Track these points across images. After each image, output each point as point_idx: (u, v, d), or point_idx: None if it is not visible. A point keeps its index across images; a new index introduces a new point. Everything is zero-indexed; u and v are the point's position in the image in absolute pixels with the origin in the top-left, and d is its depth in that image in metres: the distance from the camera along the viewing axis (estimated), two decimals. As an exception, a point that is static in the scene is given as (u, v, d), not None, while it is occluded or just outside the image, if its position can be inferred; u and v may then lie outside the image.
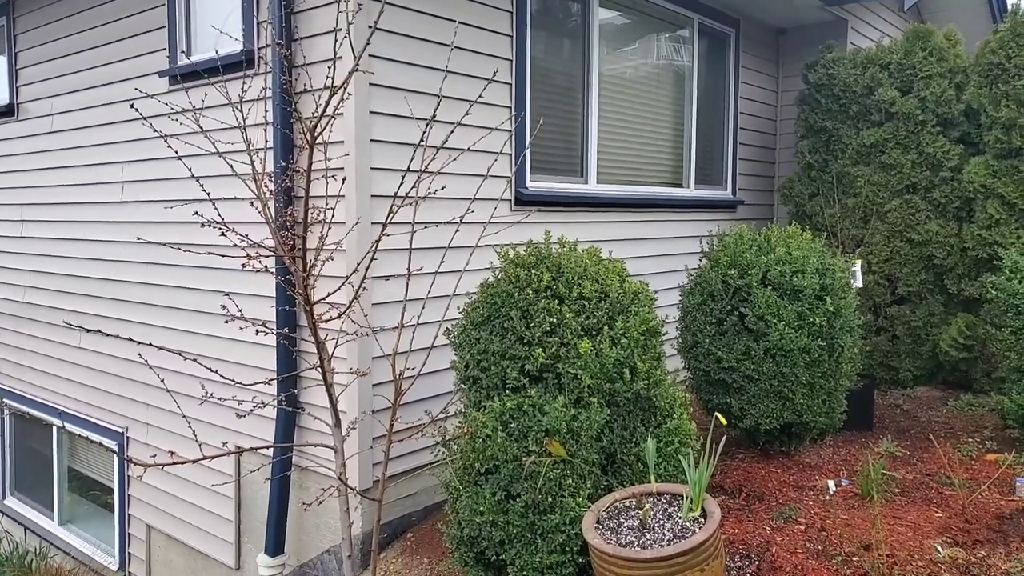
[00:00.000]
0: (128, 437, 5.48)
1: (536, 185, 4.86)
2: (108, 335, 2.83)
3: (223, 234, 2.80)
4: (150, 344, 2.79)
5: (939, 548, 3.47)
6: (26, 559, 6.19)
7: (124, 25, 5.20)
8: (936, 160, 5.89)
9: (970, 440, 4.92)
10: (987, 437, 4.95)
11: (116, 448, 5.57)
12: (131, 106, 3.34)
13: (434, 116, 2.93)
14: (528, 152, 4.74)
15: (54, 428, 6.41)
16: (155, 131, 3.45)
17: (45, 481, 6.67)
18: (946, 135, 5.92)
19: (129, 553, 5.63)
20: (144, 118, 3.61)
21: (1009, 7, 5.72)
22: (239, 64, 4.07)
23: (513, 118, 4.59)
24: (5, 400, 6.91)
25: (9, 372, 6.83)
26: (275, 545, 4.13)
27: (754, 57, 6.99)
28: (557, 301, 3.28)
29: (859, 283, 5.30)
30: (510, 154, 4.61)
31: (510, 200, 4.62)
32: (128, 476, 5.53)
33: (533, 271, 3.34)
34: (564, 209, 5.06)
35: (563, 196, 5.08)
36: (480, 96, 3.73)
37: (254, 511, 4.50)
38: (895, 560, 3.35)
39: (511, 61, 4.57)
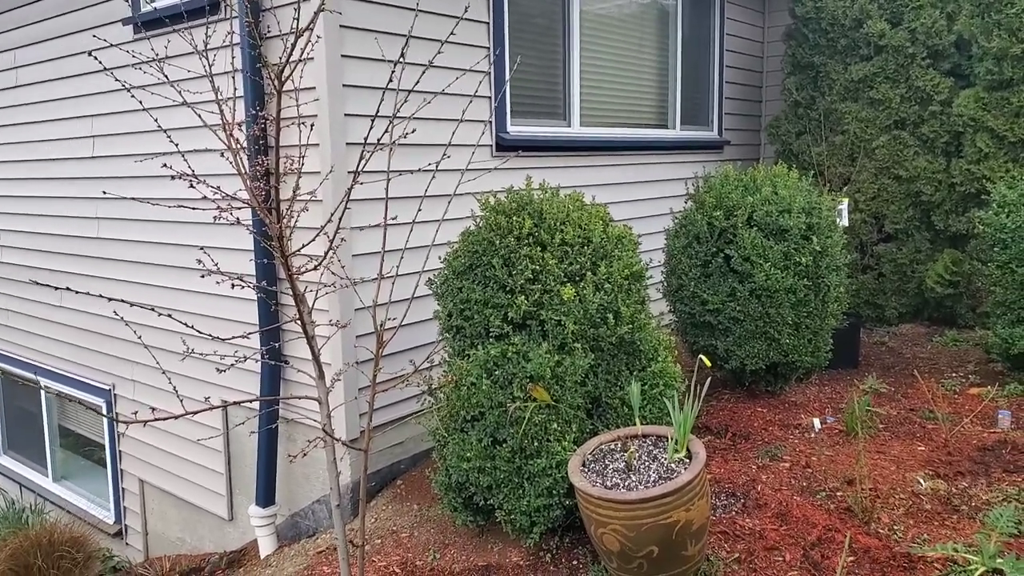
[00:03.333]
0: (115, 394, 5.46)
1: (517, 129, 4.76)
2: (77, 292, 2.77)
3: (191, 186, 2.72)
4: (122, 300, 2.74)
5: (921, 480, 3.51)
6: (22, 516, 6.23)
7: (85, -31, 5.00)
8: (926, 94, 5.80)
9: (954, 375, 4.96)
10: (971, 371, 4.99)
11: (104, 405, 5.56)
12: (92, 56, 3.21)
13: (402, 55, 2.83)
14: (508, 95, 4.63)
15: (42, 386, 6.39)
16: (119, 82, 3.32)
17: (37, 439, 6.68)
18: (936, 68, 5.82)
19: (124, 507, 5.67)
20: (107, 69, 3.48)
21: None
22: (204, 9, 3.91)
23: (492, 59, 4.47)
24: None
25: (-7, 332, 6.77)
26: (265, 496, 4.15)
27: (740, -8, 6.81)
28: (539, 248, 3.23)
29: (845, 222, 5.27)
30: (489, 97, 4.50)
31: (490, 145, 4.52)
32: (118, 432, 5.53)
33: (514, 218, 3.29)
34: (547, 154, 4.97)
35: (545, 140, 4.98)
36: (455, 36, 3.61)
37: (244, 464, 4.51)
38: (878, 493, 3.40)
39: None
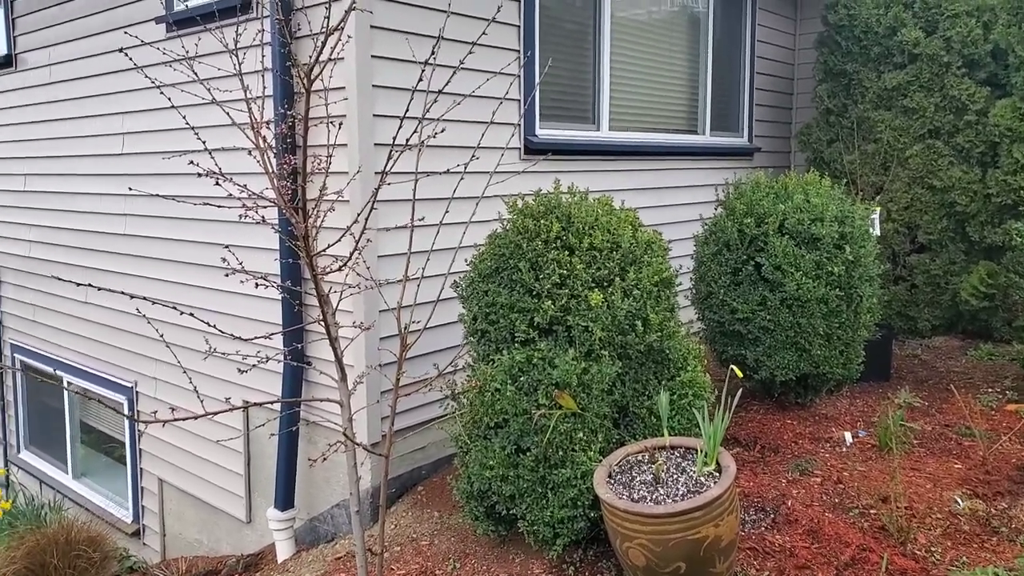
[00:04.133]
0: (137, 392, 5.46)
1: (546, 133, 4.71)
2: (100, 289, 2.75)
3: (217, 183, 2.69)
4: (144, 298, 2.71)
5: (959, 500, 3.40)
6: (41, 512, 6.24)
7: (119, -30, 5.03)
8: (961, 103, 5.67)
9: (990, 390, 4.83)
10: (1008, 387, 4.85)
11: (125, 403, 5.56)
12: (123, 53, 3.20)
13: (434, 56, 2.79)
14: (538, 98, 4.57)
15: (64, 382, 6.41)
16: (150, 79, 3.32)
17: (58, 435, 6.71)
18: (972, 77, 5.69)
19: (143, 506, 5.67)
20: (138, 67, 3.48)
21: (1042, -60, 5.42)
22: (235, 8, 3.91)
23: (522, 62, 4.42)
24: (16, 356, 6.91)
25: (19, 328, 6.81)
26: (284, 499, 4.11)
27: (772, -2, 6.72)
28: (567, 252, 3.17)
29: (877, 231, 5.15)
30: (519, 100, 4.45)
31: (519, 148, 4.47)
32: (138, 431, 5.53)
33: (542, 221, 3.23)
34: (575, 157, 4.91)
35: (574, 144, 4.92)
36: (487, 38, 3.56)
37: (264, 465, 4.48)
38: (914, 512, 3.29)
39: (519, 2, 4.38)
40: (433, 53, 2.64)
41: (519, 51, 4.42)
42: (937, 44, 5.68)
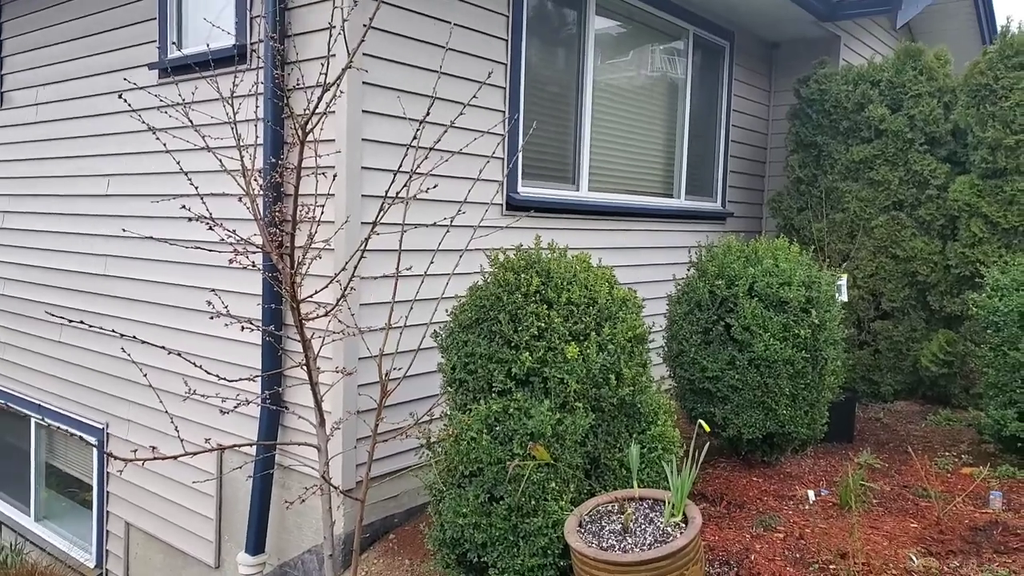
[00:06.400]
0: (108, 433, 5.43)
1: (527, 190, 4.88)
2: (91, 328, 2.81)
3: (210, 228, 2.79)
4: (134, 338, 2.77)
5: (913, 557, 3.50)
6: (0, 554, 6.11)
7: (113, 15, 5.16)
8: (923, 178, 5.97)
9: (947, 454, 4.98)
10: (963, 451, 5.01)
11: (96, 444, 5.51)
12: (120, 97, 3.32)
13: (427, 115, 2.94)
14: (520, 157, 4.75)
15: (32, 423, 6.33)
16: (144, 123, 3.43)
17: (21, 476, 6.59)
18: (933, 153, 6.00)
19: (107, 550, 5.58)
20: (133, 110, 3.59)
21: (999, 29, 5.80)
22: (231, 59, 4.06)
23: (506, 122, 4.61)
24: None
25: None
26: (256, 544, 4.10)
27: (747, 70, 7.05)
28: (546, 306, 3.29)
29: (844, 297, 5.35)
30: (502, 158, 4.62)
31: (501, 204, 4.62)
32: (107, 473, 5.48)
33: (523, 275, 3.35)
34: (555, 215, 5.08)
35: (554, 202, 5.09)
36: (474, 98, 3.74)
37: (235, 509, 4.47)
38: (870, 568, 3.38)
39: (506, 65, 4.59)
40: (427, 112, 2.79)
41: (504, 111, 4.61)
42: (902, 121, 5.99)
